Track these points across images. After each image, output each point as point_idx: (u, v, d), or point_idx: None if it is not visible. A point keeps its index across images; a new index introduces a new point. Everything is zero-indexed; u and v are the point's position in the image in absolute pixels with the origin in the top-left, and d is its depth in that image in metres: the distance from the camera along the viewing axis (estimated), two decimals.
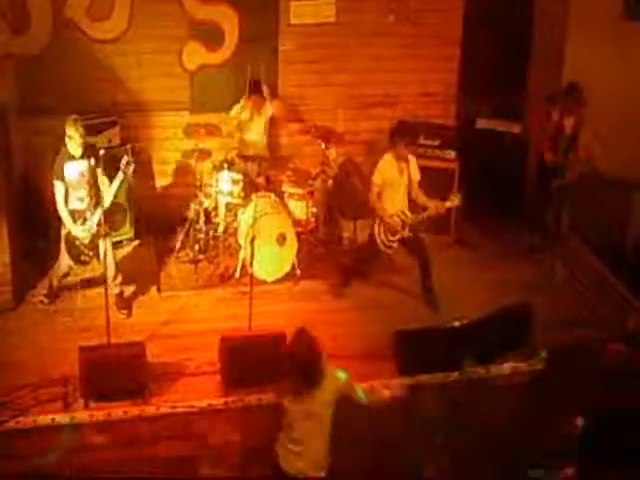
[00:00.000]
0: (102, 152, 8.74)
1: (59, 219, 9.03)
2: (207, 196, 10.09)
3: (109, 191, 8.92)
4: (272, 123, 10.62)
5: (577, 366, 8.62)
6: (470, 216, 10.81)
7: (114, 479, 7.83)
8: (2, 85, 9.91)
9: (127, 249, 10.37)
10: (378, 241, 9.42)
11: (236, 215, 10.03)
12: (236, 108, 10.27)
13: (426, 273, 9.61)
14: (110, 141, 10.18)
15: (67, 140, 8.85)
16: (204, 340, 8.77)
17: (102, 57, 10.26)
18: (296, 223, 10.02)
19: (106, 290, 8.45)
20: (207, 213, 10.14)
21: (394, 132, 9.42)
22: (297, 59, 10.84)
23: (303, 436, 6.67)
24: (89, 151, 8.92)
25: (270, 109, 10.39)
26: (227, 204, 10.03)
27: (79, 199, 8.98)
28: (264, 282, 9.75)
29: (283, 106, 10.59)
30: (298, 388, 6.61)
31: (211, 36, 10.54)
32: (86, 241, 8.98)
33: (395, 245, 9.47)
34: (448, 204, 9.38)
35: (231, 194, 9.96)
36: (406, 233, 9.43)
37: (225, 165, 10.01)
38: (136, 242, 10.50)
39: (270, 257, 9.76)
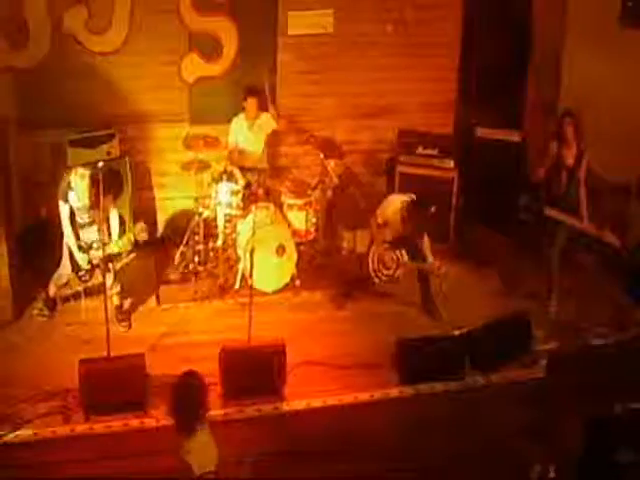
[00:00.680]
0: (101, 164, 8.74)
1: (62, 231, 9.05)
2: (206, 207, 10.09)
3: (117, 243, 8.89)
4: (271, 135, 10.62)
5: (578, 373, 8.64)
6: (469, 224, 10.82)
7: None
8: (1, 98, 9.92)
9: (125, 261, 10.36)
10: (370, 268, 9.45)
11: (235, 226, 10.03)
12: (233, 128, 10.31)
13: (426, 288, 9.66)
14: (109, 153, 10.17)
15: (71, 184, 8.85)
16: (204, 351, 8.74)
17: (101, 69, 10.25)
18: (295, 234, 10.03)
19: (106, 303, 8.45)
20: (206, 224, 10.13)
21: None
22: (295, 70, 10.84)
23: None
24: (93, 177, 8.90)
25: (273, 124, 10.38)
26: (226, 215, 10.02)
27: (82, 218, 8.99)
28: (264, 293, 9.74)
29: (287, 124, 10.60)
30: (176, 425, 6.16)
31: (210, 48, 10.56)
32: (84, 265, 9.01)
33: (384, 279, 9.49)
34: (443, 269, 9.37)
35: (230, 205, 9.96)
36: (398, 273, 9.45)
37: (224, 176, 10.01)
38: (134, 254, 10.49)
39: (270, 268, 9.75)
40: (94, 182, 8.74)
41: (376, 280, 9.59)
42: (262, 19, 10.61)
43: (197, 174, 10.11)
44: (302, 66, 10.84)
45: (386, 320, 9.51)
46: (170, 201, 10.88)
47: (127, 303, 9.53)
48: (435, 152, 10.93)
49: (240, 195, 9.94)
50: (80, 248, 8.98)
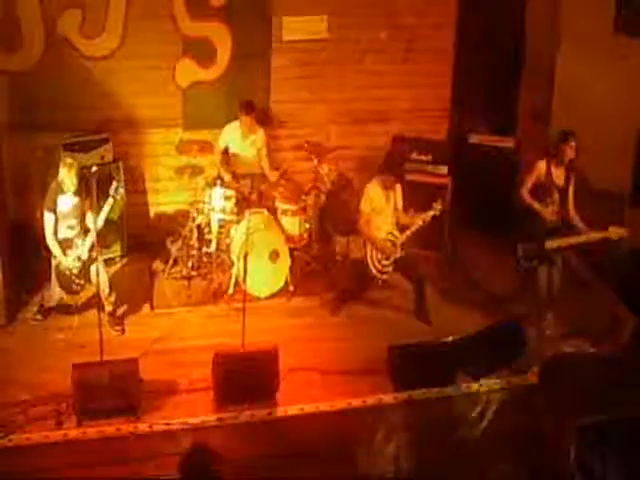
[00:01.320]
0: (94, 169, 8.72)
1: (48, 250, 9.05)
2: (200, 212, 10.08)
3: (100, 215, 8.90)
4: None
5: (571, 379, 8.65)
6: (462, 231, 10.83)
7: None
8: None
9: (118, 266, 10.35)
10: (372, 268, 9.46)
11: (229, 231, 10.02)
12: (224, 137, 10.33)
13: (420, 296, 9.66)
14: (103, 158, 10.15)
15: (60, 177, 8.82)
16: (197, 357, 8.76)
17: (95, 74, 10.24)
18: (289, 239, 10.02)
19: (99, 308, 8.45)
20: (200, 229, 10.12)
21: (383, 166, 9.44)
22: (289, 75, 10.85)
23: None
24: (82, 185, 8.88)
25: (264, 141, 10.41)
26: (220, 220, 10.01)
27: (69, 227, 8.98)
28: (257, 298, 9.74)
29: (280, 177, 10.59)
30: None
31: (204, 53, 10.55)
32: (76, 270, 8.98)
33: (389, 270, 9.50)
34: (431, 213, 9.42)
35: (224, 210, 9.95)
36: (399, 253, 9.46)
37: (218, 181, 10.01)
38: (128, 259, 10.49)
39: (263, 273, 9.75)
40: (84, 181, 8.75)
41: (383, 277, 9.57)
42: (256, 24, 10.60)
43: (191, 179, 10.11)
44: (296, 71, 10.83)
45: (379, 326, 9.51)
46: (163, 206, 10.86)
47: (121, 308, 9.50)
48: (429, 158, 10.94)
49: (234, 200, 9.94)
50: (64, 249, 8.95)
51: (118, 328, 9.29)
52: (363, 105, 11.06)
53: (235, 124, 10.29)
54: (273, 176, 10.34)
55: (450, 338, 8.91)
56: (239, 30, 10.52)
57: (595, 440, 7.30)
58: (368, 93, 11.04)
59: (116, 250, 10.40)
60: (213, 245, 10.10)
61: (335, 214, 10.76)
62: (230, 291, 9.87)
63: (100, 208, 8.94)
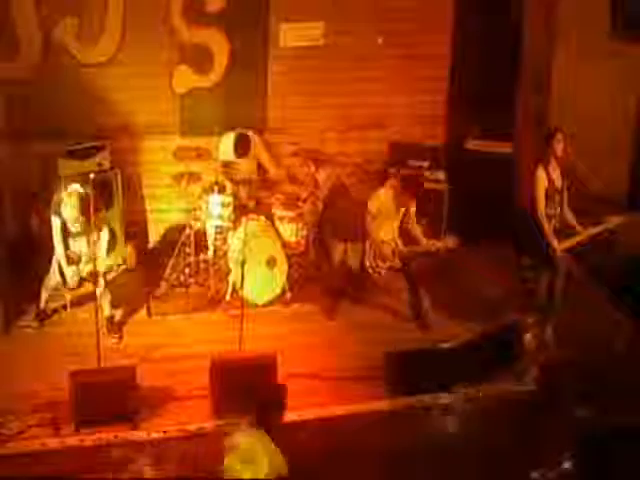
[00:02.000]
0: (92, 176, 8.72)
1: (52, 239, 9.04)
2: (197, 219, 10.08)
3: (106, 260, 8.99)
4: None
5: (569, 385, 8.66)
6: (459, 236, 10.81)
7: None
8: None
9: (116, 272, 10.34)
10: (367, 264, 9.45)
11: (226, 238, 10.03)
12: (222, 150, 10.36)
13: (415, 300, 9.67)
14: (100, 165, 10.15)
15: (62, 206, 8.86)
16: (195, 363, 8.74)
17: (92, 81, 10.25)
18: (286, 246, 10.03)
19: (97, 314, 8.45)
20: (197, 236, 10.13)
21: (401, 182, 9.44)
22: (286, 81, 10.86)
23: None
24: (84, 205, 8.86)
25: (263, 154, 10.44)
26: (217, 227, 10.02)
27: (74, 226, 8.97)
28: (255, 305, 9.74)
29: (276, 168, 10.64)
30: None
31: (201, 60, 10.56)
32: (71, 281, 9.02)
33: (383, 272, 9.49)
34: (440, 244, 9.37)
35: (221, 217, 9.95)
36: (396, 263, 9.46)
37: (215, 188, 10.01)
38: (125, 266, 10.48)
39: (260, 280, 9.75)
40: (84, 198, 8.73)
41: (375, 276, 9.57)
42: (253, 31, 10.63)
43: (188, 186, 10.12)
44: (293, 78, 10.85)
45: (376, 332, 9.51)
46: (161, 213, 10.87)
47: (118, 315, 9.51)
48: (426, 164, 10.95)
49: (231, 207, 9.94)
50: (69, 260, 8.96)
51: (116, 336, 9.29)
52: (360, 111, 11.07)
53: (231, 135, 10.29)
54: (278, 175, 10.35)
55: (447, 344, 8.91)
56: (236, 37, 10.54)
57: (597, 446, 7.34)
58: (365, 99, 11.05)
59: (113, 257, 10.36)
60: (210, 252, 10.11)
61: (332, 221, 10.75)
62: (227, 298, 9.88)
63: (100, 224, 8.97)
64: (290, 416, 8.34)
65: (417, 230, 9.51)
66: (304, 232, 10.25)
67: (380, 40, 10.98)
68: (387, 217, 9.48)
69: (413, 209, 9.52)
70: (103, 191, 9.31)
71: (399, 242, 9.49)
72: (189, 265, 10.12)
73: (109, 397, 8.00)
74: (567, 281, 9.49)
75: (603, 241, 9.46)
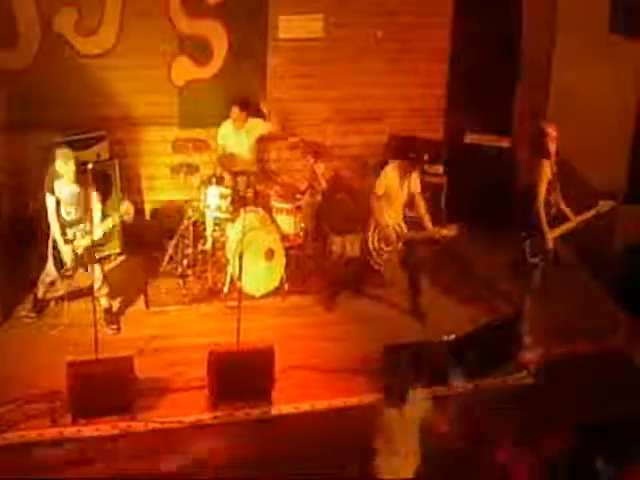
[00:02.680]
0: (90, 166, 8.70)
1: (48, 228, 8.96)
2: (195, 211, 10.07)
3: (101, 226, 8.85)
4: (260, 138, 10.60)
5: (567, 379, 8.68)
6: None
7: None
8: None
9: (115, 263, 10.35)
10: (370, 248, 9.41)
11: (224, 230, 10.02)
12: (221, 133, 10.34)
13: (416, 287, 9.65)
14: (99, 156, 10.14)
15: (57, 169, 8.78)
16: (192, 355, 8.75)
17: (91, 72, 10.24)
18: (284, 238, 10.01)
19: (94, 305, 8.44)
20: (195, 228, 10.12)
21: (400, 147, 9.39)
22: (285, 74, 10.85)
23: None
24: (81, 175, 8.84)
25: (261, 129, 10.39)
26: (215, 219, 10.01)
27: (68, 213, 8.93)
28: (252, 297, 9.73)
29: (278, 125, 10.58)
30: None
31: (200, 51, 10.55)
32: (69, 261, 8.96)
33: (386, 256, 9.46)
34: (445, 232, 9.32)
35: (219, 209, 9.94)
36: (399, 246, 9.44)
37: (213, 180, 10.00)
38: (123, 257, 10.48)
39: (258, 272, 9.74)
40: (81, 171, 8.73)
41: (379, 260, 9.53)
42: (252, 23, 10.62)
43: (186, 177, 10.11)
44: (292, 70, 10.86)
45: (375, 324, 9.50)
46: (159, 204, 10.86)
47: (116, 306, 9.50)
48: (425, 157, 10.92)
49: (229, 198, 9.93)
50: (65, 240, 8.93)
51: (113, 327, 9.27)
52: (359, 104, 11.07)
53: (229, 121, 10.30)
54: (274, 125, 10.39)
55: (445, 337, 8.91)
56: (235, 28, 10.54)
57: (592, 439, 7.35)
58: (364, 92, 11.06)
59: (112, 247, 10.38)
60: (208, 243, 10.10)
61: (331, 213, 10.75)
62: (225, 289, 9.88)
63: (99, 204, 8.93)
64: (286, 408, 8.42)
65: (423, 210, 9.44)
66: (302, 224, 10.24)
67: (379, 33, 10.98)
68: (393, 199, 9.40)
69: (416, 189, 9.44)
70: (101, 182, 9.26)
71: (403, 226, 9.47)
72: (187, 256, 10.11)
73: (107, 388, 8.00)
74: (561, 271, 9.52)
75: (602, 235, 9.48)
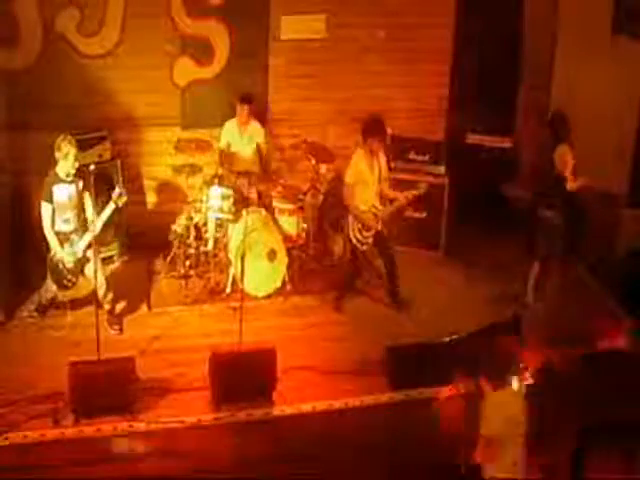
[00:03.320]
0: (92, 167, 8.69)
1: (45, 241, 8.94)
2: (197, 211, 10.07)
3: (99, 218, 8.82)
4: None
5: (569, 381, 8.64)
6: (460, 231, 10.83)
7: None
8: None
9: (116, 265, 10.35)
10: (352, 238, 9.43)
11: (227, 230, 10.02)
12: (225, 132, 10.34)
13: (392, 274, 9.70)
14: (100, 156, 10.15)
15: (60, 160, 8.76)
16: (194, 356, 8.75)
17: (92, 72, 10.25)
18: (286, 238, 10.02)
19: (96, 306, 8.44)
20: (197, 228, 10.12)
21: (366, 128, 9.39)
22: (287, 74, 10.85)
23: None
24: (79, 173, 8.84)
25: (262, 138, 10.42)
26: (217, 219, 10.01)
27: (65, 221, 8.89)
28: (255, 297, 9.74)
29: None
30: None
31: (202, 52, 10.55)
32: (70, 265, 8.93)
33: (370, 241, 9.46)
34: (414, 192, 9.44)
35: (221, 209, 9.94)
36: (379, 226, 9.44)
37: (216, 180, 10.00)
38: (126, 258, 10.49)
39: (261, 272, 9.74)
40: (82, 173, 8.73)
41: (364, 248, 9.52)
42: (255, 23, 10.62)
43: (189, 178, 10.11)
44: (294, 70, 10.85)
45: (377, 325, 9.51)
46: (161, 205, 10.86)
47: (118, 307, 9.49)
48: (426, 158, 10.94)
49: (231, 199, 9.93)
50: (62, 243, 8.91)
51: (116, 327, 9.27)
52: (361, 104, 11.02)
53: (233, 120, 10.30)
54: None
55: (447, 338, 8.90)
56: (237, 29, 10.54)
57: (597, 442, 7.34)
58: (366, 92, 11.04)
59: (114, 248, 10.39)
60: (210, 244, 10.09)
61: (332, 214, 10.75)
62: (227, 290, 9.88)
63: (99, 207, 8.91)
64: (289, 409, 8.42)
65: (390, 191, 9.57)
66: (304, 225, 10.24)
67: (382, 34, 10.97)
68: (364, 184, 9.41)
69: (385, 173, 9.52)
70: (103, 182, 9.26)
71: (379, 207, 9.48)
72: (189, 257, 10.10)
73: (109, 388, 8.00)
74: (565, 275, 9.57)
75: (604, 237, 9.47)
